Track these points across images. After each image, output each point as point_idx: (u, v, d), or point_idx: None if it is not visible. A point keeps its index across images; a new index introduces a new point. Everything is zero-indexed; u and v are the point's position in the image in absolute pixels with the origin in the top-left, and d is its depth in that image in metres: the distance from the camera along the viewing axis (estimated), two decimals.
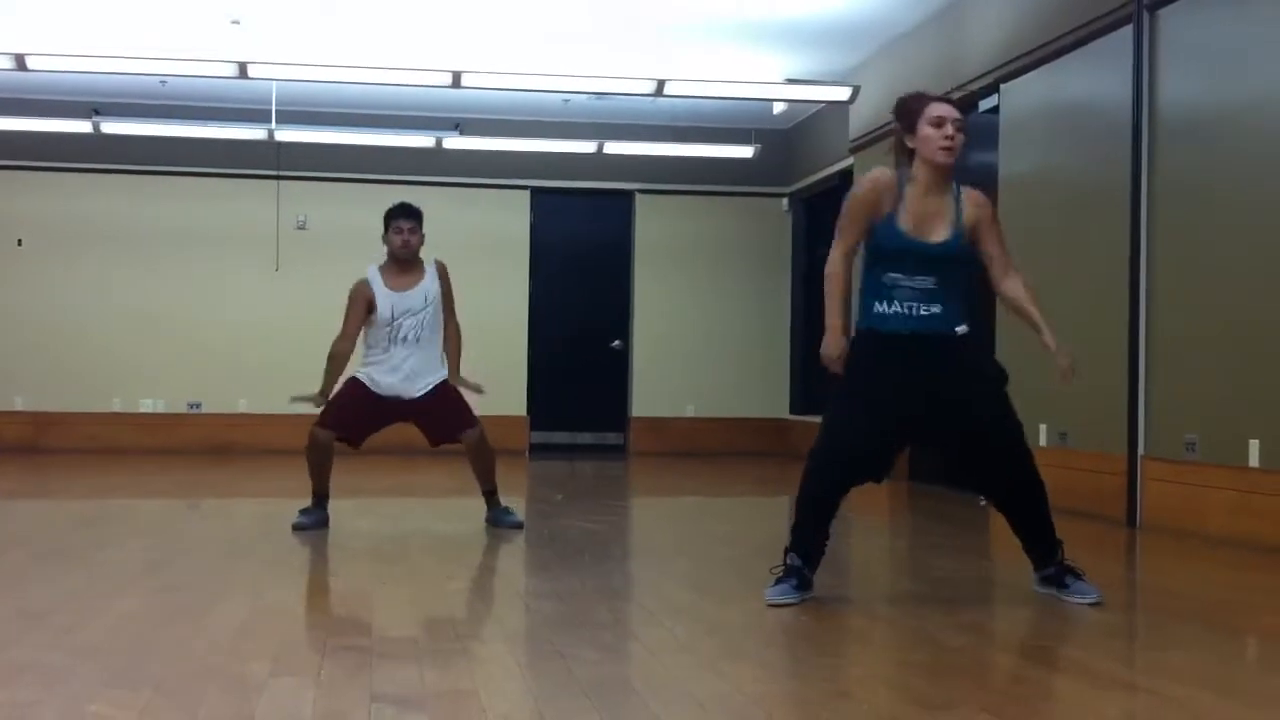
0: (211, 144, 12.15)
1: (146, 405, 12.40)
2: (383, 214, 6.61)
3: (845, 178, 11.31)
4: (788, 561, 4.42)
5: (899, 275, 4.35)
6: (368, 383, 6.34)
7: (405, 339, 6.32)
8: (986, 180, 8.56)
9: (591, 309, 13.27)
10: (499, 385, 12.97)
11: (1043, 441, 7.53)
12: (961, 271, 4.45)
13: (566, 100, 11.75)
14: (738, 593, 4.75)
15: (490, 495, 6.51)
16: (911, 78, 9.60)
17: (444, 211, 12.78)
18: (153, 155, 12.28)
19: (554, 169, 12.86)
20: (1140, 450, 6.82)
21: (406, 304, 6.36)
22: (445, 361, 6.47)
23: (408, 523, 7.22)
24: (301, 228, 12.57)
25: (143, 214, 12.41)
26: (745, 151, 12.49)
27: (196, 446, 12.23)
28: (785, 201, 13.21)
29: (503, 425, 12.66)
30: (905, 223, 4.35)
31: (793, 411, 13.03)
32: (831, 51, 10.20)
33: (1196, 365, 6.47)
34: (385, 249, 6.56)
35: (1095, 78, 7.39)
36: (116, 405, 12.34)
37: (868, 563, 6.03)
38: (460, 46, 10.01)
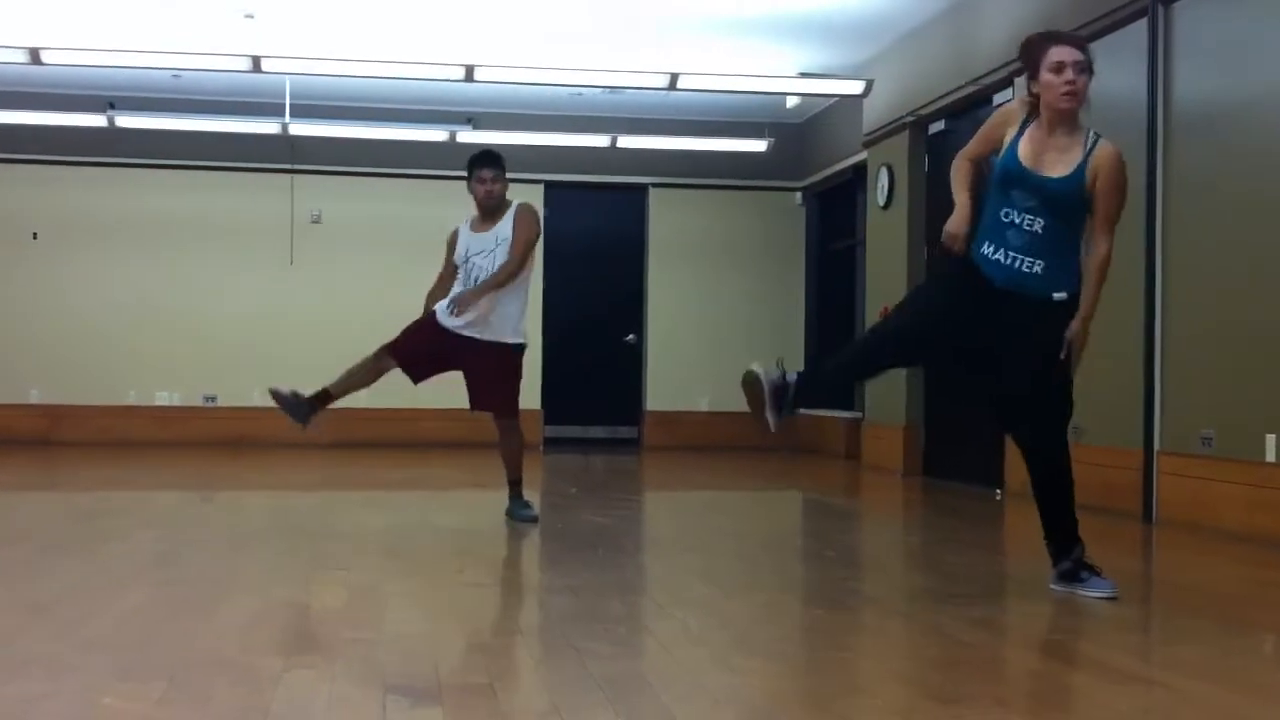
0: (225, 138, 12.16)
1: (161, 398, 12.43)
2: (467, 162, 6.58)
3: (859, 172, 11.29)
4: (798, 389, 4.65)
5: (1012, 211, 4.32)
6: (437, 312, 6.34)
7: (477, 279, 6.30)
8: None
9: (605, 303, 13.26)
10: None
11: None
12: (1074, 221, 4.39)
13: (580, 94, 11.74)
14: (751, 587, 4.75)
15: (513, 485, 6.50)
16: (925, 71, 9.59)
17: (457, 206, 12.75)
18: (167, 149, 12.30)
19: (568, 163, 12.85)
20: (1155, 445, 6.80)
21: (481, 245, 6.38)
22: (522, 327, 6.41)
23: (419, 516, 7.22)
24: (315, 221, 12.58)
25: (157, 207, 12.43)
26: (759, 145, 12.47)
27: (211, 439, 12.25)
28: (799, 195, 13.19)
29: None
30: (1024, 151, 4.36)
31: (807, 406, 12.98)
32: (845, 45, 10.18)
33: (1212, 360, 6.44)
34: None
35: (1110, 72, 7.33)
36: (131, 398, 12.37)
37: (881, 557, 6.02)
38: (473, 40, 10.01)
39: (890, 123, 10.22)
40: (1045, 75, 4.33)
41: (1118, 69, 7.23)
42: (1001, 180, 4.36)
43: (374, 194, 12.67)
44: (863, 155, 11.00)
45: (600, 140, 12.41)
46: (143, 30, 9.76)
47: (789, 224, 13.24)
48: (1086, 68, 4.35)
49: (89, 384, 12.26)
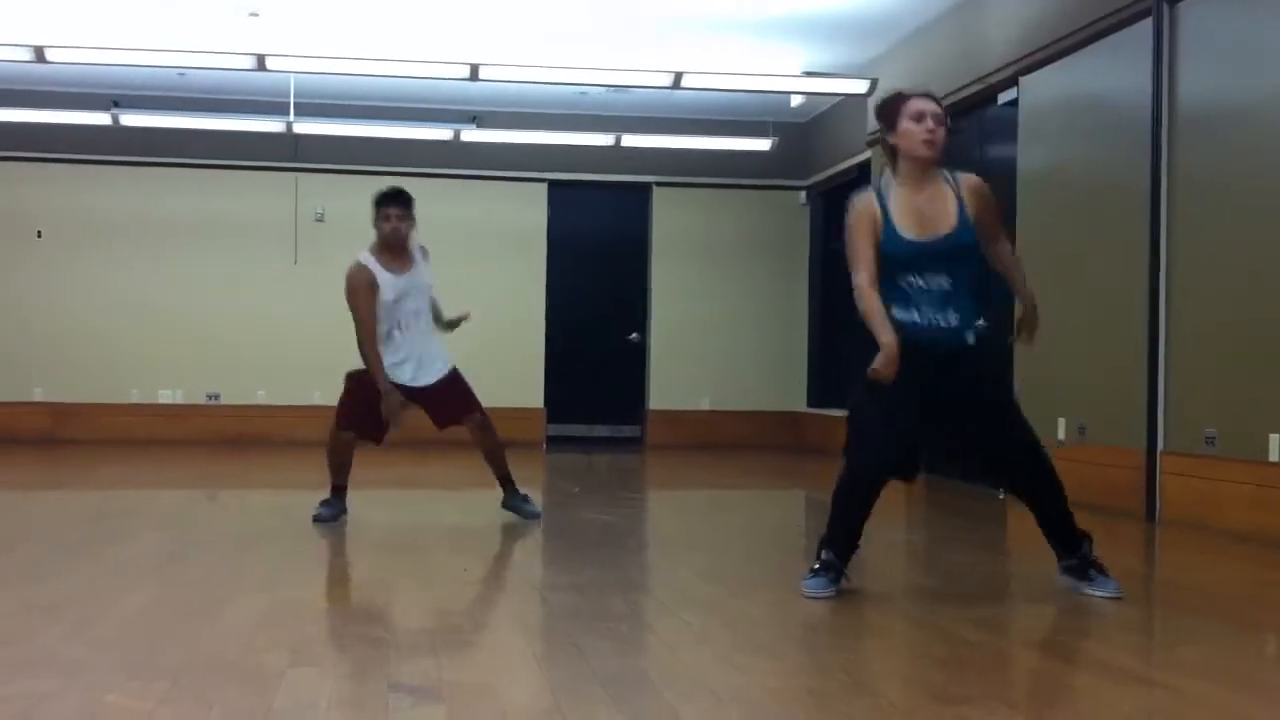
0: (230, 136, 12.17)
1: (165, 396, 12.44)
2: (372, 198, 6.49)
3: (863, 171, 11.28)
4: (822, 557, 4.44)
5: (916, 278, 4.35)
6: (381, 379, 6.25)
7: (409, 325, 6.29)
8: (1005, 173, 8.54)
9: (608, 302, 13.27)
10: (516, 378, 13.02)
11: (1061, 436, 7.51)
12: (973, 262, 4.45)
13: (584, 93, 11.74)
14: (754, 585, 4.75)
15: (505, 482, 6.49)
16: (930, 70, 9.58)
17: (461, 204, 12.83)
18: (171, 147, 12.31)
19: (571, 162, 12.86)
20: (1159, 444, 6.79)
21: (408, 288, 6.31)
22: (446, 352, 6.45)
23: (422, 515, 7.23)
24: (319, 220, 12.58)
25: (161, 206, 12.44)
26: (763, 144, 12.46)
27: (214, 437, 12.27)
28: (803, 194, 13.19)
29: (520, 417, 12.67)
30: (903, 223, 4.36)
31: (810, 404, 13.01)
32: (849, 44, 10.18)
33: (1215, 359, 6.44)
34: (374, 235, 6.46)
35: (1115, 71, 7.36)
36: (135, 396, 12.38)
37: (885, 557, 6.01)
38: (477, 39, 10.01)
39: None
40: (905, 124, 4.42)
41: (1122, 68, 7.23)
42: (896, 263, 4.35)
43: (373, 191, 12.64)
44: (867, 154, 10.99)
45: (604, 139, 12.41)
46: (147, 29, 9.77)
47: (793, 223, 13.24)
48: (943, 120, 4.44)
49: (92, 382, 12.27)
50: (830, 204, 12.87)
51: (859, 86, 10.38)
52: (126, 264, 12.36)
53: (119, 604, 4.16)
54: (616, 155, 12.79)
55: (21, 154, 12.22)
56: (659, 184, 13.16)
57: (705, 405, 13.06)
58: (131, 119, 11.79)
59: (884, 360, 4.24)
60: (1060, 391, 7.64)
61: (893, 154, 4.50)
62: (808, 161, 12.94)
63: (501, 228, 12.75)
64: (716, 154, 12.81)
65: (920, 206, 4.38)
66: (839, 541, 4.48)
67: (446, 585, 4.69)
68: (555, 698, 3.02)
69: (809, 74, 10.69)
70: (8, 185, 12.27)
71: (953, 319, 4.36)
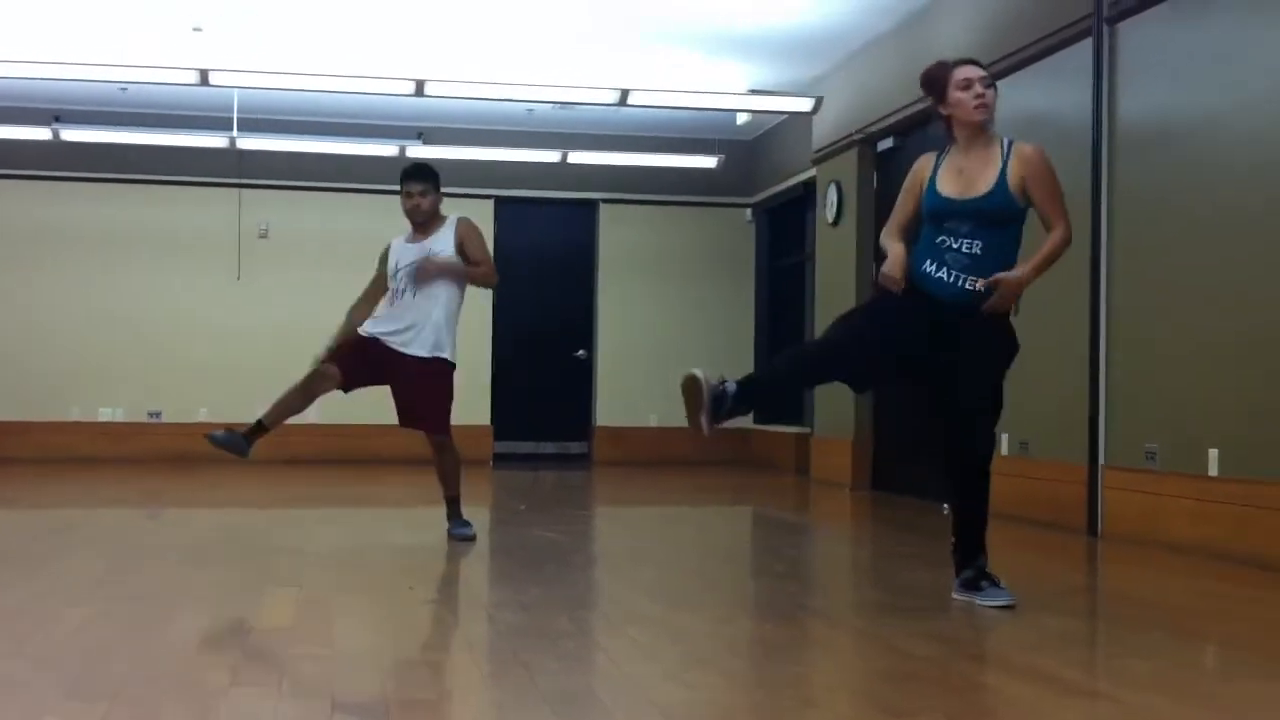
0: (173, 151, 12.07)
1: (105, 414, 12.30)
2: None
3: (808, 188, 11.35)
4: (725, 387, 4.71)
5: (948, 238, 4.47)
6: (367, 326, 6.24)
7: (404, 291, 6.20)
8: None
9: (555, 318, 13.25)
10: (462, 394, 12.91)
11: (1004, 450, 7.56)
12: (1010, 231, 4.53)
13: (531, 110, 11.74)
14: (702, 602, 4.75)
15: (451, 503, 6.43)
16: (874, 89, 9.66)
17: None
18: (114, 162, 12.19)
19: (518, 178, 12.85)
20: (1101, 459, 6.86)
21: (410, 257, 6.27)
22: (449, 342, 6.26)
23: (370, 533, 7.17)
24: (263, 236, 12.49)
25: (103, 221, 12.31)
26: (709, 162, 12.51)
27: (156, 456, 12.12)
28: (749, 211, 13.24)
29: (466, 434, 12.54)
30: (945, 183, 4.52)
31: (756, 421, 13.04)
32: (794, 63, 10.24)
33: (1157, 375, 6.51)
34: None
35: (1056, 90, 7.44)
36: (75, 414, 12.22)
37: (833, 572, 6.04)
38: (424, 55, 9.99)
39: (839, 139, 10.28)
40: (955, 94, 4.55)
41: (1064, 87, 7.31)
42: (931, 217, 4.53)
43: (322, 208, 12.60)
44: (812, 172, 11.07)
45: (551, 155, 12.41)
46: (89, 43, 9.67)
47: (739, 240, 13.29)
48: (991, 82, 4.57)
49: (31, 399, 12.10)
50: (776, 221, 12.94)
51: (804, 104, 10.45)
52: (67, 280, 12.21)
53: (57, 621, 4.10)
54: (563, 172, 12.80)
55: None
56: (605, 200, 13.18)
57: (653, 422, 13.05)
58: (73, 134, 11.66)
59: (890, 263, 4.47)
60: (1004, 407, 7.68)
61: (948, 124, 4.62)
62: (754, 179, 13.00)
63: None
64: (663, 171, 12.84)
65: (963, 166, 4.53)
66: (764, 382, 4.87)
67: (392, 603, 4.65)
68: (501, 716, 3.00)
69: (755, 92, 10.75)
70: None
71: (980, 284, 4.43)
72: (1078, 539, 6.75)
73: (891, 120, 9.42)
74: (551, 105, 11.31)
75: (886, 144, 9.76)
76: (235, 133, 11.33)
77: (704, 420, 4.58)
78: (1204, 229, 6.19)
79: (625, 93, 10.04)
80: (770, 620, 4.44)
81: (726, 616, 4.42)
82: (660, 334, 13.08)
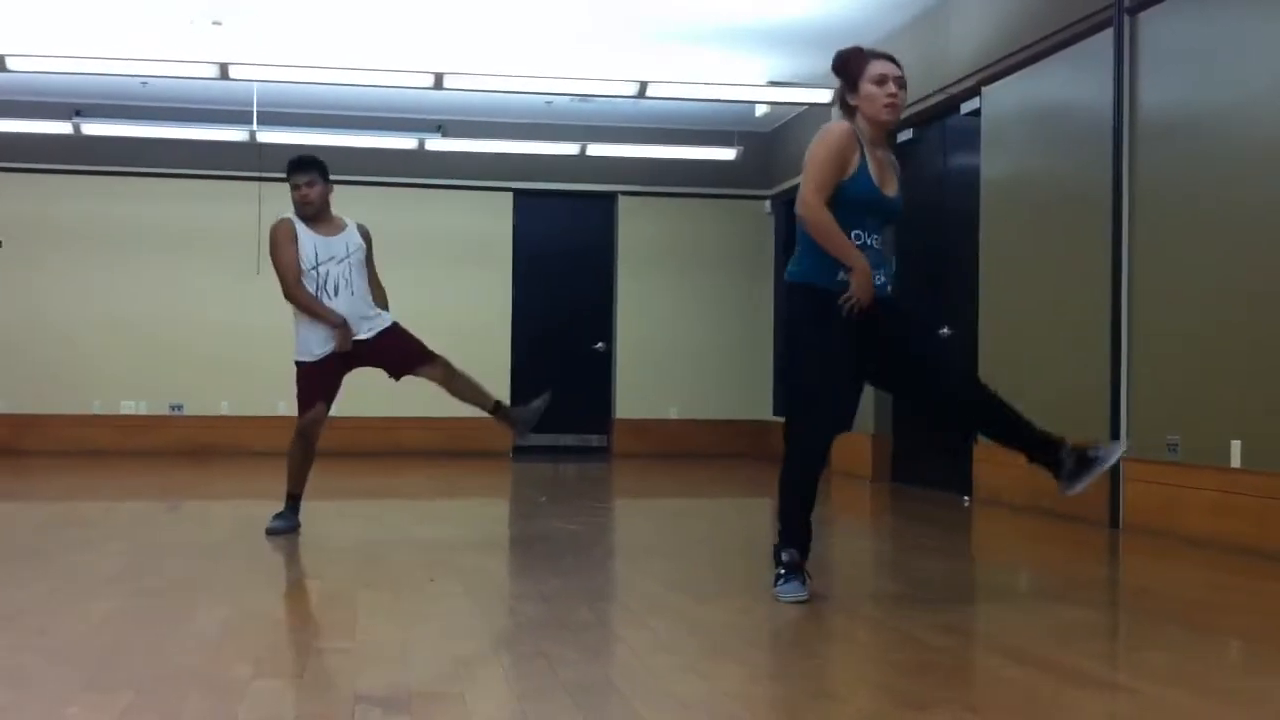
0: (193, 145, 12.10)
1: (127, 407, 12.35)
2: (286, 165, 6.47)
3: None
4: (784, 559, 4.42)
5: (863, 233, 4.39)
6: (318, 351, 6.15)
7: (335, 289, 6.18)
8: (968, 182, 8.59)
9: (574, 311, 13.26)
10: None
11: None
12: (892, 231, 4.67)
13: (549, 102, 11.74)
14: (721, 593, 4.75)
15: (498, 408, 6.34)
16: None
17: (426, 214, 12.81)
18: (134, 156, 12.23)
19: (537, 171, 12.85)
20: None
21: (330, 250, 6.21)
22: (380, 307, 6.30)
23: (389, 525, 7.19)
24: None
25: (124, 215, 12.36)
26: (728, 154, 12.49)
27: (177, 448, 12.17)
28: (768, 204, 13.22)
29: (485, 427, 12.60)
30: (873, 174, 4.41)
31: (775, 413, 13.02)
32: (814, 54, 10.19)
33: (1178, 366, 6.49)
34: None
35: (1076, 81, 7.42)
36: (97, 407, 12.28)
37: (850, 563, 6.03)
38: (443, 48, 9.99)
39: None
40: (867, 87, 4.40)
41: (1084, 78, 7.29)
42: (858, 206, 4.37)
43: (342, 202, 12.51)
44: None
45: (569, 148, 12.41)
46: (109, 37, 9.71)
47: (758, 232, 13.27)
48: (904, 83, 4.45)
49: (54, 393, 12.17)
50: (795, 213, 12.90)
51: (823, 96, 10.41)
52: (88, 274, 12.27)
53: (79, 615, 4.12)
54: (582, 164, 12.79)
55: None
56: (624, 193, 13.17)
57: (673, 414, 13.06)
58: (93, 128, 11.71)
59: (859, 284, 4.27)
60: (1024, 399, 7.64)
61: (850, 113, 4.48)
62: (772, 171, 12.98)
63: (467, 237, 12.74)
64: (682, 163, 12.83)
65: (881, 162, 4.44)
66: (796, 533, 4.44)
67: (412, 595, 4.67)
68: (522, 707, 3.01)
69: (774, 83, 10.72)
70: None
71: (880, 278, 4.41)
72: (1098, 531, 6.73)
73: (910, 111, 9.37)
74: (570, 98, 11.31)
75: (905, 135, 9.73)
76: (255, 126, 11.35)
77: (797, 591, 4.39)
78: (1226, 219, 6.17)
79: (644, 85, 10.03)
80: (789, 612, 4.43)
81: (745, 608, 4.42)
82: (679, 326, 13.08)
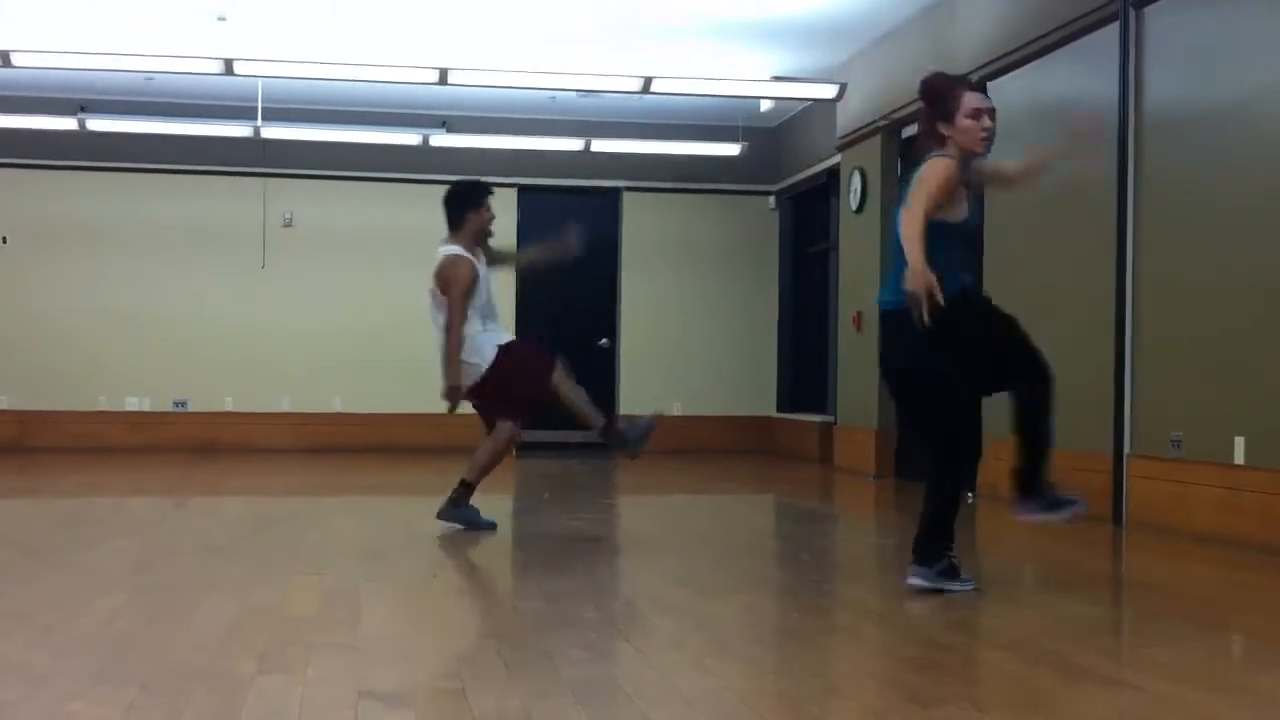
0: (198, 141, 12.10)
1: (132, 403, 12.36)
2: (470, 188, 6.64)
3: (832, 175, 11.32)
4: (951, 558, 4.55)
5: (962, 248, 4.63)
6: (513, 343, 6.48)
7: (493, 309, 6.46)
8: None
9: (578, 307, 13.25)
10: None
11: None
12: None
13: (553, 98, 11.73)
14: (726, 590, 4.75)
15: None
16: (898, 75, 9.62)
17: (430, 209, 12.70)
18: (139, 152, 12.23)
19: (541, 167, 12.85)
20: (1126, 448, 6.83)
21: (488, 275, 6.48)
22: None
23: (393, 521, 7.20)
24: (288, 225, 12.53)
25: (129, 211, 12.37)
26: (732, 149, 12.47)
27: (182, 444, 12.18)
28: (772, 199, 13.21)
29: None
30: (963, 203, 4.55)
31: (779, 409, 13.03)
32: (818, 49, 10.20)
33: (1182, 363, 6.48)
34: (466, 229, 6.48)
35: (1082, 75, 7.40)
36: (102, 403, 12.29)
37: (857, 560, 6.03)
38: (447, 44, 9.99)
39: (863, 126, 10.24)
40: (964, 121, 4.54)
41: (1089, 73, 7.27)
42: (962, 232, 4.55)
43: (346, 197, 12.62)
44: (836, 159, 11.03)
45: (574, 144, 12.40)
46: (114, 33, 9.70)
47: (762, 228, 13.26)
48: (995, 114, 4.61)
49: (59, 389, 12.17)
50: (800, 209, 12.91)
51: (828, 91, 10.41)
52: (93, 269, 12.28)
53: (86, 611, 4.12)
54: (586, 160, 12.79)
55: None
56: (629, 189, 13.16)
57: (677, 410, 13.04)
58: (98, 124, 11.71)
59: (911, 278, 4.18)
60: None
61: (939, 139, 4.59)
62: (777, 166, 12.97)
63: None
64: (686, 159, 12.82)
65: (962, 191, 4.57)
66: (947, 528, 4.56)
67: (416, 592, 4.67)
68: (525, 705, 3.01)
69: (778, 78, 10.71)
70: None
71: (969, 280, 4.65)
72: (1103, 528, 6.72)
73: (916, 106, 9.34)
74: (574, 93, 11.30)
75: (911, 130, 9.71)
76: (259, 122, 11.35)
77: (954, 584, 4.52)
78: (1231, 215, 6.15)
79: (648, 80, 10.02)
80: (795, 608, 4.43)
81: (751, 604, 4.42)
82: (684, 322, 13.07)
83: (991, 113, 4.57)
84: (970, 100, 4.55)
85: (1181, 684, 3.31)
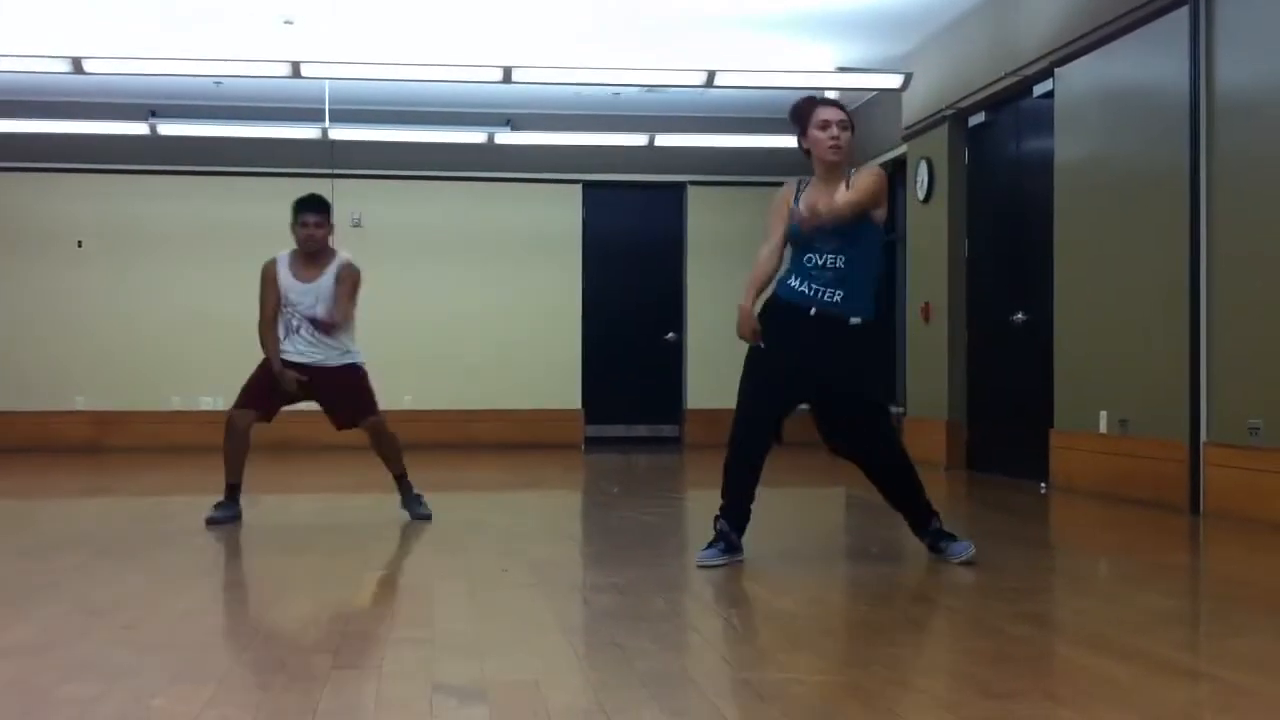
0: (266, 144, 12.24)
1: (206, 403, 12.52)
2: (292, 203, 6.79)
3: (898, 166, 11.24)
4: (717, 528, 5.01)
5: (814, 255, 4.99)
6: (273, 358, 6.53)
7: (298, 330, 6.51)
8: (1042, 165, 8.49)
9: (645, 302, 13.26)
10: (553, 380, 13.06)
11: (1103, 428, 7.46)
12: (870, 250, 5.06)
13: (617, 93, 11.75)
14: (794, 582, 4.74)
15: (400, 479, 6.58)
16: (964, 64, 9.54)
17: (496, 207, 12.87)
18: (208, 156, 12.40)
19: (605, 162, 12.87)
20: (1202, 436, 6.73)
21: (298, 297, 6.49)
22: (353, 348, 6.57)
23: (463, 516, 7.24)
24: (357, 225, 12.62)
25: (199, 214, 12.53)
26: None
27: (256, 443, 12.26)
28: None
29: (558, 419, 12.70)
30: (800, 210, 4.96)
31: None
32: (884, 39, 10.14)
33: (1259, 349, 6.38)
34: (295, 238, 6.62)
35: (1151, 60, 7.30)
36: (176, 403, 12.47)
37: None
38: (510, 42, 10.03)
39: (929, 116, 10.17)
40: (813, 132, 5.05)
41: (1159, 57, 7.17)
42: (794, 240, 5.04)
43: (414, 197, 12.72)
44: (902, 149, 10.96)
45: (638, 139, 12.41)
46: (183, 38, 9.84)
47: None
48: (848, 125, 5.03)
49: (134, 390, 12.37)
50: None
51: (893, 81, 10.34)
52: (165, 272, 12.46)
53: (164, 609, 4.19)
54: (651, 155, 12.79)
55: (60, 165, 12.33)
56: (693, 183, 13.16)
57: None
58: (169, 128, 11.88)
59: (739, 325, 5.14)
60: (1102, 384, 7.59)
61: (806, 154, 5.12)
62: None
63: (536, 229, 12.78)
64: (750, 152, 12.78)
65: (816, 196, 4.98)
66: (731, 511, 5.06)
67: (487, 586, 4.70)
68: (598, 697, 3.02)
69: (843, 70, 10.66)
70: (47, 196, 12.39)
71: (838, 296, 4.94)
72: (1179, 517, 6.63)
73: (982, 95, 9.30)
74: (638, 88, 11.31)
75: (978, 119, 9.64)
76: (327, 124, 11.46)
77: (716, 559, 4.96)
78: None
79: (712, 74, 10.01)
80: (865, 601, 4.41)
81: (820, 598, 4.41)
82: None
83: (841, 124, 4.97)
84: (821, 113, 5.01)
85: (1258, 674, 3.27)
